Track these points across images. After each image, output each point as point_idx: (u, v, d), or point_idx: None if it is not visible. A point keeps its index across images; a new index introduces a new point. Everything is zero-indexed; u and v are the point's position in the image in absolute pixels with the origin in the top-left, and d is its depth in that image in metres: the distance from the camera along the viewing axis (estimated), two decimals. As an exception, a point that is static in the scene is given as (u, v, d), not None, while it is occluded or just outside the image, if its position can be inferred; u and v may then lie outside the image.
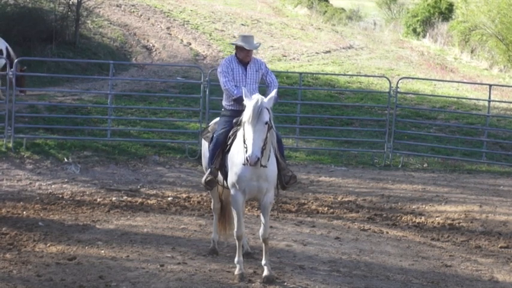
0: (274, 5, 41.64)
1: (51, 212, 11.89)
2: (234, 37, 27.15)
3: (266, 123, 8.22)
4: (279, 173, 8.86)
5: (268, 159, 8.44)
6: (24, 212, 11.76)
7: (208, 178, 8.95)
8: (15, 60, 15.79)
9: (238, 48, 9.11)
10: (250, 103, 8.29)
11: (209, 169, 9.02)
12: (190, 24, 29.92)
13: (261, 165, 8.30)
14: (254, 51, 9.20)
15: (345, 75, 23.40)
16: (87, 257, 9.29)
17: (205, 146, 9.48)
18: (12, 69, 15.19)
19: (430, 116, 19.41)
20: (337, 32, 33.28)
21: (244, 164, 8.31)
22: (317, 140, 17.22)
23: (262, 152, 8.18)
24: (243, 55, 9.08)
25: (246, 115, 8.26)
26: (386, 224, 12.27)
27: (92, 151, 15.23)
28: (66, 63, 21.56)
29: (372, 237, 11.23)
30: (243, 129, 8.31)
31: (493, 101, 18.39)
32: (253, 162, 8.09)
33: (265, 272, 8.68)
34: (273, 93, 8.61)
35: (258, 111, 8.19)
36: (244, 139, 8.27)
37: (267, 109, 8.30)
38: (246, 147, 8.16)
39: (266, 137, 8.23)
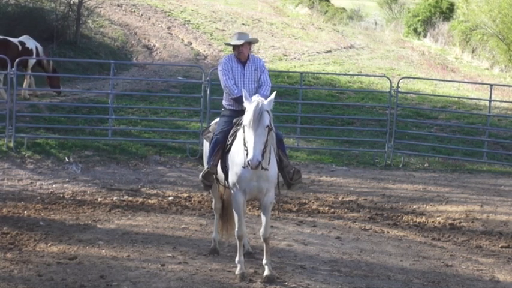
0: (275, 5, 41.61)
1: (52, 211, 11.89)
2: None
3: (267, 126, 8.22)
4: (282, 170, 8.86)
5: (269, 162, 8.44)
6: (25, 212, 11.76)
7: (206, 171, 8.96)
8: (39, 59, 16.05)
9: (234, 46, 9.15)
10: (250, 106, 8.26)
11: (207, 165, 9.03)
12: (191, 24, 29.91)
13: (262, 168, 8.29)
14: (255, 50, 9.19)
15: (345, 74, 23.38)
16: (88, 257, 9.29)
17: (206, 146, 9.48)
18: (13, 69, 15.17)
19: (431, 116, 19.41)
20: (338, 32, 33.27)
21: (244, 167, 8.32)
22: (318, 139, 17.22)
23: (263, 155, 8.18)
24: (236, 52, 9.11)
25: (247, 119, 8.24)
26: (387, 223, 12.26)
27: (92, 151, 15.24)
28: (67, 63, 21.55)
29: (372, 237, 11.23)
30: (244, 133, 8.31)
31: (494, 100, 18.40)
32: (255, 166, 8.08)
33: (266, 272, 8.67)
34: (272, 95, 8.59)
35: (258, 115, 8.16)
36: (244, 142, 8.26)
37: (267, 111, 8.30)
38: (247, 150, 8.16)
39: (266, 140, 8.23)
